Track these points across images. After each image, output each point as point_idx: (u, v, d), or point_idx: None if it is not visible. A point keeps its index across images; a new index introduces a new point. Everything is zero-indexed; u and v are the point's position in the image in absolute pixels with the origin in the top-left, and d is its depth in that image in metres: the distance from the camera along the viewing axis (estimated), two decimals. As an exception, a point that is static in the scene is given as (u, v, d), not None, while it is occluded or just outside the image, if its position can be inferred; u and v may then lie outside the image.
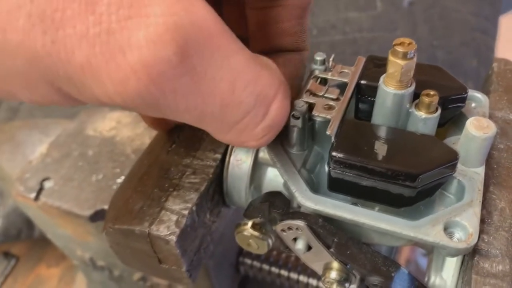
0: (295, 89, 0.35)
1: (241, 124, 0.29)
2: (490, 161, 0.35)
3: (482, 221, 0.31)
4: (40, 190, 0.53)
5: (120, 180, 0.52)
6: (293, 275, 0.56)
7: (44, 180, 0.54)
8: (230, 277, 0.58)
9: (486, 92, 0.41)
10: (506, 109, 0.39)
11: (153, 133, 0.55)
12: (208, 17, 0.25)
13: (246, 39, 0.38)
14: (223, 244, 0.54)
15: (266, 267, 0.57)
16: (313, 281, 0.56)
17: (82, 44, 0.23)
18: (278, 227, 0.32)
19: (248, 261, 0.58)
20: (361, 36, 0.83)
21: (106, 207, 0.50)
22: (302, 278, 0.56)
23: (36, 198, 0.53)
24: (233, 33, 0.27)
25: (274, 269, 0.57)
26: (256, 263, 0.58)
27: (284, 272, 0.57)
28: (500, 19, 1.17)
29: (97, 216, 0.51)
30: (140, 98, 0.24)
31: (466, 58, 0.93)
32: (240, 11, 0.38)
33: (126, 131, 0.58)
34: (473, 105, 0.37)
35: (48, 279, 0.87)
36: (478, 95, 0.37)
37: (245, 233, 0.37)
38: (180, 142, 0.40)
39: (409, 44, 0.29)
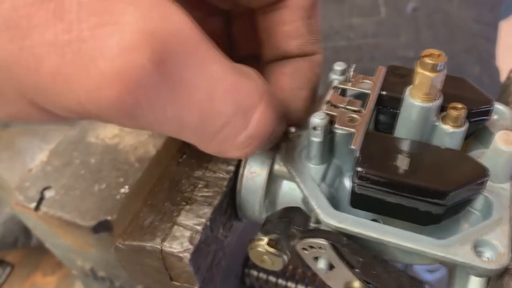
0: (304, 100, 0.34)
1: (221, 135, 0.27)
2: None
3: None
4: (40, 200, 0.51)
5: (123, 190, 0.50)
6: None
7: (44, 189, 0.52)
8: (235, 289, 0.57)
9: (504, 103, 0.40)
10: (527, 121, 0.38)
11: (158, 141, 0.54)
12: (184, 25, 0.24)
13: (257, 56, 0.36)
14: (229, 258, 0.52)
15: (272, 279, 0.56)
16: (321, 294, 0.54)
17: (51, 53, 0.21)
18: (299, 245, 0.31)
19: (254, 272, 0.57)
20: (365, 42, 0.82)
21: (109, 218, 0.49)
22: (310, 291, 0.55)
23: (37, 208, 0.51)
24: (212, 41, 0.26)
25: (281, 281, 0.55)
26: (263, 275, 0.56)
27: (291, 285, 0.55)
28: (500, 25, 1.17)
29: (100, 227, 0.49)
30: (115, 107, 0.23)
31: (468, 64, 0.92)
32: (252, 23, 0.37)
33: (129, 139, 0.57)
34: (495, 117, 0.36)
35: (44, 287, 0.85)
36: (501, 107, 0.36)
37: (260, 249, 0.35)
38: (191, 153, 0.39)
39: (439, 56, 0.27)
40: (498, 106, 0.36)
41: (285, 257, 0.35)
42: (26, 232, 0.72)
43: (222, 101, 0.26)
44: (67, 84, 0.22)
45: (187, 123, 0.26)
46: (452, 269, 0.34)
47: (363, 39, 0.82)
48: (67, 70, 0.22)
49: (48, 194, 0.52)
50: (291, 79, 0.34)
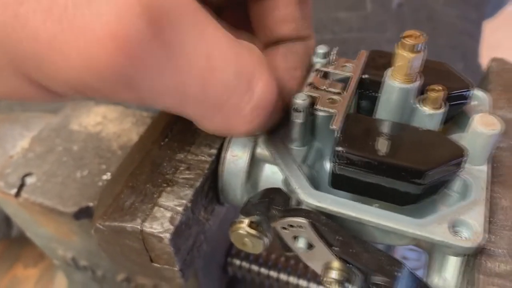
0: (298, 80, 0.34)
1: (227, 106, 0.27)
2: (492, 160, 0.34)
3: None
4: (21, 186, 0.51)
5: (106, 177, 0.50)
6: (283, 277, 0.55)
7: (25, 175, 0.51)
8: (218, 278, 0.56)
9: (484, 90, 0.40)
10: (506, 108, 0.39)
11: (141, 128, 0.53)
12: None
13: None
14: (211, 243, 0.52)
15: (255, 268, 0.56)
16: (303, 282, 0.55)
17: (47, 19, 0.21)
18: (278, 225, 0.31)
19: (237, 261, 0.57)
20: (350, 36, 0.82)
21: (91, 204, 0.48)
22: (292, 280, 0.55)
23: (17, 194, 0.50)
24: (209, 13, 0.26)
25: (264, 270, 0.56)
26: (245, 264, 0.56)
27: (273, 273, 0.55)
28: (485, 25, 1.19)
29: (82, 214, 0.49)
30: (112, 73, 0.23)
31: (452, 61, 0.93)
32: (243, 11, 0.37)
33: (112, 127, 0.56)
34: (474, 103, 0.36)
35: (25, 280, 0.84)
36: (480, 93, 0.36)
37: (241, 231, 0.35)
38: (173, 137, 0.38)
39: (419, 36, 0.28)
40: (477, 92, 0.37)
41: (266, 240, 0.36)
42: (7, 222, 0.72)
43: (225, 69, 0.26)
44: (64, 51, 0.22)
45: (189, 94, 0.26)
46: (431, 251, 0.34)
47: (348, 33, 0.83)
48: (64, 37, 0.21)
49: (29, 180, 0.51)
50: (285, 59, 0.34)
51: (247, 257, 0.57)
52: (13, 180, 0.51)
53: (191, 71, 0.25)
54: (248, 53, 0.28)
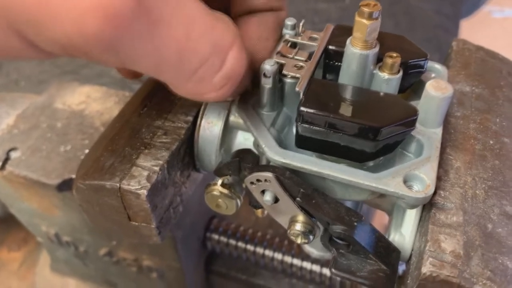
0: (268, 50, 0.36)
1: (199, 73, 0.30)
2: (447, 127, 0.37)
3: (439, 178, 0.33)
4: (6, 160, 0.52)
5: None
6: (259, 250, 0.57)
7: (10, 150, 0.53)
8: (197, 252, 0.59)
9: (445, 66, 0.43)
10: (463, 82, 0.42)
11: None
12: None
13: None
14: (190, 217, 0.55)
15: (232, 242, 0.58)
16: (278, 255, 0.57)
17: None
18: (247, 180, 0.33)
19: (215, 236, 0.59)
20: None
21: (74, 176, 0.50)
22: (268, 253, 0.57)
23: (2, 167, 0.52)
24: None
25: (241, 244, 0.58)
26: (223, 239, 0.59)
27: (250, 247, 0.58)
28: (461, 23, 1.22)
29: (65, 186, 0.51)
30: (97, 38, 0.25)
31: (428, 52, 0.97)
32: None
33: (96, 105, 0.58)
34: (432, 75, 0.39)
35: (9, 263, 0.85)
36: (438, 66, 0.39)
37: (215, 192, 0.38)
38: (152, 106, 0.41)
39: (374, 5, 0.30)
40: (436, 65, 0.40)
41: (238, 201, 0.38)
42: (-9, 202, 0.73)
43: (200, 39, 0.28)
44: (54, 12, 0.24)
45: (165, 60, 0.28)
46: (390, 212, 0.37)
47: (327, 24, 0.86)
48: (56, 1, 0.23)
49: (14, 154, 0.53)
50: (258, 29, 0.36)
51: (225, 231, 0.59)
52: (-2, 155, 0.53)
53: (169, 39, 0.27)
54: (223, 25, 0.30)
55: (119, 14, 0.24)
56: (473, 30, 1.52)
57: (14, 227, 0.85)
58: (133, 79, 0.42)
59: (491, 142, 0.37)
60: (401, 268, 0.37)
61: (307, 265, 0.56)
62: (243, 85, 0.35)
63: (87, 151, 0.53)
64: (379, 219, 0.91)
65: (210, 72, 0.30)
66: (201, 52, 0.29)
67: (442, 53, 0.99)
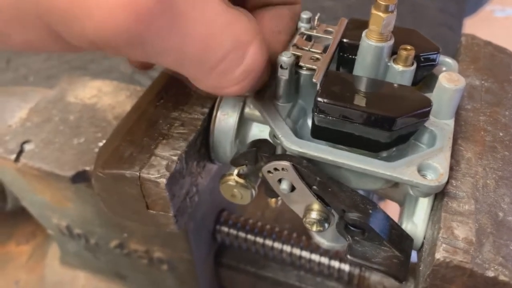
0: (283, 44, 0.37)
1: (220, 67, 0.30)
2: (458, 119, 0.38)
3: (451, 168, 0.34)
4: (20, 152, 0.53)
5: (101, 144, 0.53)
6: (268, 242, 0.58)
7: (24, 143, 0.54)
8: (207, 244, 0.59)
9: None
10: (472, 76, 0.42)
11: (135, 101, 0.56)
12: None
13: None
14: (202, 209, 0.55)
15: (242, 234, 0.59)
16: (287, 248, 0.58)
17: None
18: (265, 169, 0.34)
19: (225, 229, 0.60)
20: (335, 24, 0.86)
21: (88, 168, 0.51)
22: (277, 245, 0.58)
23: (16, 159, 0.53)
24: None
25: (250, 237, 0.59)
26: (233, 231, 0.60)
27: (259, 240, 0.59)
28: (465, 22, 1.23)
29: (78, 178, 0.52)
30: (126, 34, 0.26)
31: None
32: None
33: (107, 99, 0.59)
34: (443, 69, 0.40)
35: (17, 256, 0.85)
36: (449, 60, 0.40)
37: (230, 182, 0.38)
38: (168, 98, 0.41)
39: (390, -2, 0.31)
40: (447, 59, 0.40)
41: (253, 191, 0.39)
42: (1, 195, 0.74)
43: (222, 35, 0.29)
44: (84, 10, 0.25)
45: (188, 55, 0.29)
46: (403, 202, 0.38)
47: (333, 21, 0.86)
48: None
49: (28, 147, 0.54)
50: (272, 22, 0.37)
51: (234, 224, 0.60)
52: (12, 147, 0.53)
53: (192, 34, 0.28)
54: (244, 20, 0.31)
55: (145, 9, 0.25)
56: (475, 29, 1.52)
57: (22, 221, 0.86)
58: (144, 70, 0.43)
59: (500, 134, 0.37)
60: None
61: (315, 257, 0.57)
62: (262, 80, 0.35)
63: (100, 144, 0.53)
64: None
65: (231, 66, 0.31)
66: (222, 47, 0.30)
67: (446, 51, 1.00)
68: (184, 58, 0.29)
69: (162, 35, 0.27)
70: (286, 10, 0.37)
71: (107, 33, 0.26)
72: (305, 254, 0.57)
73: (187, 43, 0.28)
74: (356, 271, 0.56)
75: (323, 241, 0.45)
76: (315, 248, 0.57)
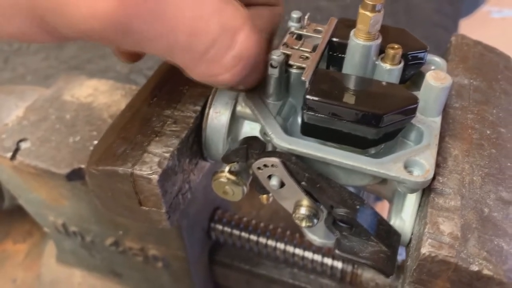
0: (265, 43, 0.37)
1: (210, 53, 0.31)
2: (446, 117, 0.38)
3: (438, 165, 0.35)
4: (16, 150, 0.54)
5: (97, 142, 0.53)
6: (262, 240, 0.59)
7: (20, 141, 0.55)
8: (201, 241, 0.60)
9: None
10: (461, 75, 0.43)
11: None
12: None
13: None
14: (195, 206, 0.56)
15: (236, 232, 0.60)
16: (281, 245, 0.58)
17: None
18: (255, 165, 0.35)
19: (219, 227, 0.60)
20: (330, 24, 0.86)
21: (83, 166, 0.52)
22: (271, 243, 0.59)
23: (12, 157, 0.53)
24: None
25: (244, 234, 0.59)
26: (227, 229, 0.60)
27: (253, 237, 0.59)
28: (460, 23, 1.24)
29: (74, 175, 0.52)
30: (111, 20, 0.27)
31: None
32: None
33: (103, 98, 0.60)
34: (432, 67, 0.41)
35: (14, 254, 0.86)
36: (437, 59, 0.41)
37: (222, 179, 0.39)
38: (162, 96, 0.42)
39: (377, -3, 0.32)
40: (436, 58, 0.41)
41: (244, 188, 0.39)
42: (-2, 193, 0.74)
43: (209, 20, 0.30)
44: (77, 3, 0.26)
45: (177, 41, 0.29)
46: (391, 199, 0.38)
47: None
48: None
49: (24, 145, 0.54)
50: (253, 21, 0.37)
51: (229, 222, 0.60)
52: (8, 145, 0.54)
53: (179, 20, 0.29)
54: (232, 7, 0.31)
55: None
56: (471, 30, 1.53)
57: (18, 219, 0.87)
58: (132, 62, 0.43)
59: (488, 132, 0.38)
60: (400, 258, 0.39)
61: (308, 254, 0.58)
62: (257, 73, 0.35)
63: (95, 142, 0.54)
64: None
65: (221, 52, 0.31)
66: (211, 32, 0.30)
67: (441, 51, 1.00)
68: (173, 45, 0.30)
69: (149, 20, 0.28)
70: (266, 10, 0.38)
71: (92, 21, 0.27)
72: (299, 251, 0.58)
73: (174, 29, 0.29)
74: (349, 268, 0.57)
75: (314, 238, 0.46)
76: (308, 246, 0.58)
